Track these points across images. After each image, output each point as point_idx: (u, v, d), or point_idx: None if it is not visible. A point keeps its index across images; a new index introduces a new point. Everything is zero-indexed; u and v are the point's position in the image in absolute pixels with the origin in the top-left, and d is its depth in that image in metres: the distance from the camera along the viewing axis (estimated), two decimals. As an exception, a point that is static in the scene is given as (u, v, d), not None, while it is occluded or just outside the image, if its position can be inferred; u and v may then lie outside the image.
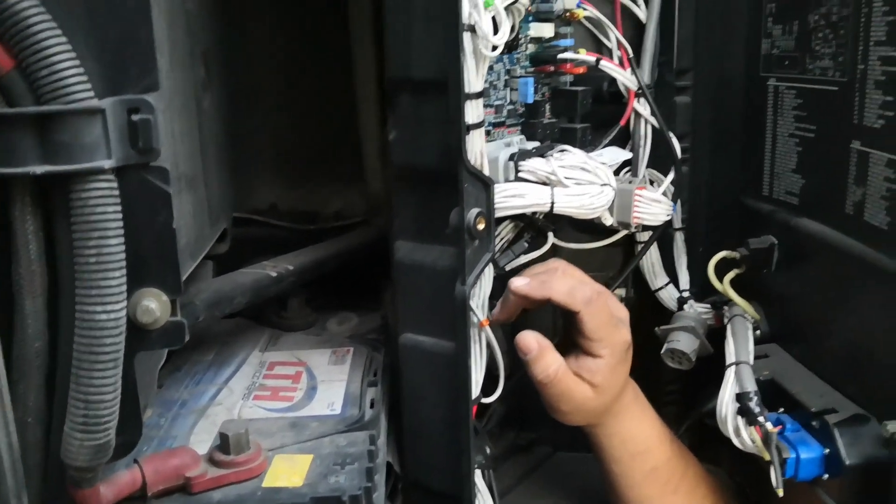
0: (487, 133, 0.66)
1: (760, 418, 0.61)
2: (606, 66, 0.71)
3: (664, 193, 0.74)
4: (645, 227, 0.75)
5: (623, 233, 0.76)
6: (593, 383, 0.65)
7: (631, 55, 0.73)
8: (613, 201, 0.70)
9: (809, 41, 0.64)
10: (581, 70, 0.72)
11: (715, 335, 0.74)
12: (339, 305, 0.89)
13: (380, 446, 0.61)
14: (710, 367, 0.71)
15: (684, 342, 0.74)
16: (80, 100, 0.41)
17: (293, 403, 0.67)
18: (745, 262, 0.71)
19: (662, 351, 0.75)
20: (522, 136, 0.70)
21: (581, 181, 0.67)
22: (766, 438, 0.60)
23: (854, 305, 0.60)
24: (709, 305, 0.77)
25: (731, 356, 0.67)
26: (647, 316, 0.77)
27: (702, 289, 0.77)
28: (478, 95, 0.56)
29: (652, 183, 0.76)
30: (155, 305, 0.46)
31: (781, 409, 0.63)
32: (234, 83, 0.84)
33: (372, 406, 0.66)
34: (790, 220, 0.67)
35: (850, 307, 0.61)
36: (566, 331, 0.68)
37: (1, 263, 0.45)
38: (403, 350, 0.62)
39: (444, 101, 0.55)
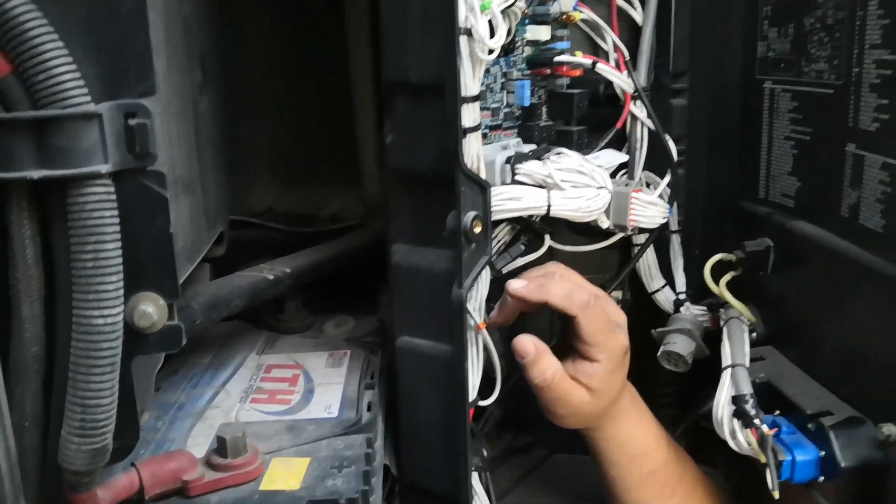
0: (484, 136, 0.66)
1: (756, 421, 0.61)
2: (603, 68, 0.71)
3: (660, 196, 0.74)
4: (641, 230, 0.75)
5: (619, 235, 0.76)
6: (590, 387, 0.65)
7: (627, 58, 0.73)
8: (610, 204, 0.70)
9: (805, 44, 0.64)
10: (577, 73, 0.72)
11: (711, 337, 0.74)
12: (337, 308, 0.89)
13: (377, 449, 0.61)
14: (707, 369, 0.71)
15: (681, 344, 0.74)
16: (76, 104, 0.41)
17: (290, 406, 0.67)
18: (741, 264, 0.71)
19: (659, 353, 0.75)
20: (519, 139, 0.70)
21: (577, 184, 0.67)
22: (761, 441, 0.60)
23: (849, 308, 0.60)
24: (705, 308, 0.77)
25: (727, 359, 0.67)
26: (644, 318, 0.77)
27: (698, 291, 0.77)
28: (474, 99, 0.57)
29: (648, 185, 0.76)
30: (152, 310, 0.46)
31: (777, 412, 0.63)
32: (230, 86, 0.84)
33: (369, 409, 0.66)
34: (786, 222, 0.67)
35: (845, 310, 0.61)
36: (563, 334, 0.68)
37: (-2, 268, 0.45)
38: (400, 353, 0.62)
39: (440, 104, 0.55)
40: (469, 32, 0.55)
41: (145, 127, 0.43)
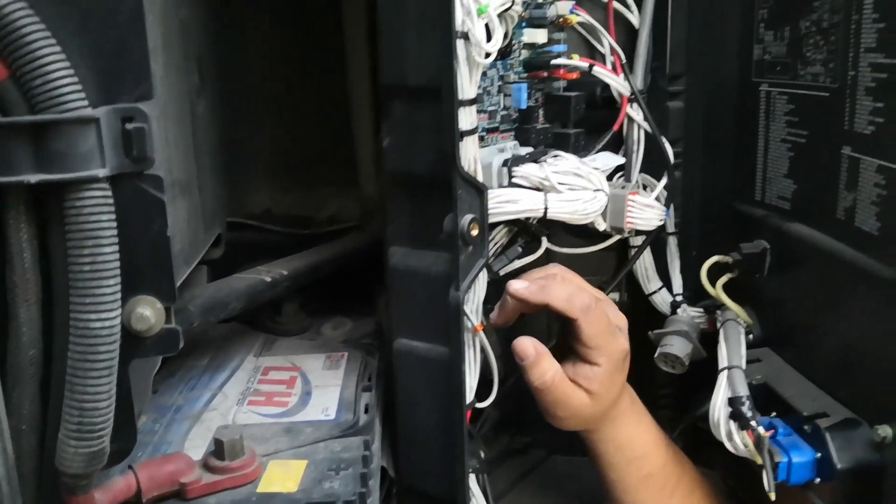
0: (481, 139, 0.66)
1: (753, 422, 0.61)
2: (599, 71, 0.72)
3: (657, 198, 0.74)
4: (638, 232, 0.75)
5: (616, 237, 0.76)
6: (590, 390, 0.65)
7: (624, 61, 0.73)
8: (607, 206, 0.70)
9: (801, 47, 0.64)
10: (574, 75, 0.72)
11: (708, 339, 0.74)
12: (334, 310, 0.89)
13: (374, 451, 0.61)
14: (704, 371, 0.71)
15: (677, 346, 0.75)
16: (74, 109, 0.41)
17: (288, 409, 0.67)
18: (737, 266, 0.71)
19: (656, 355, 0.75)
20: (516, 142, 0.71)
21: (574, 187, 0.67)
22: (758, 442, 0.60)
23: (845, 310, 0.61)
24: (702, 309, 0.77)
25: (723, 360, 0.67)
26: (641, 320, 0.77)
27: (695, 293, 0.77)
28: (471, 102, 0.57)
29: (645, 188, 0.76)
30: (149, 313, 0.46)
31: (774, 413, 0.63)
32: (228, 88, 0.84)
33: (366, 411, 0.66)
34: (782, 224, 0.68)
35: (841, 312, 0.61)
36: (563, 337, 0.68)
37: (-4, 272, 0.45)
38: (398, 355, 0.63)
39: (437, 107, 0.55)
40: (466, 36, 0.55)
41: (143, 131, 0.43)
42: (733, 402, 0.63)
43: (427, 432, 0.62)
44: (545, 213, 0.66)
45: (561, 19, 0.71)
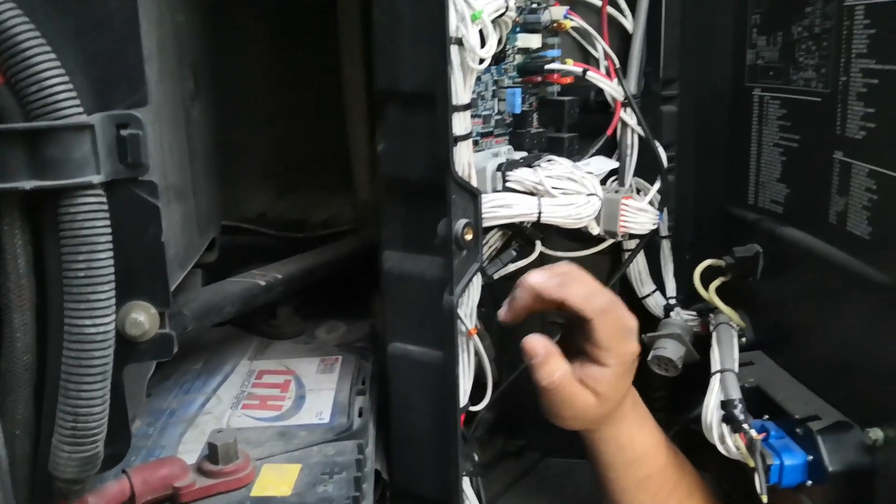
0: (475, 143, 0.66)
1: (745, 425, 0.61)
2: (593, 76, 0.72)
3: (651, 202, 0.74)
4: (632, 236, 0.75)
5: (610, 241, 0.76)
6: (597, 392, 0.64)
7: (618, 65, 0.74)
8: (600, 210, 0.71)
9: (793, 52, 0.65)
10: (568, 80, 0.72)
11: (701, 342, 0.74)
12: (328, 314, 0.89)
13: (368, 455, 0.61)
14: (697, 373, 0.71)
15: (671, 349, 0.75)
16: (69, 115, 0.42)
17: (282, 412, 0.67)
18: (730, 270, 0.72)
19: (649, 358, 0.76)
20: (510, 147, 0.71)
21: (568, 191, 0.67)
22: (750, 445, 0.60)
23: (837, 314, 0.61)
24: (695, 313, 0.77)
25: (716, 364, 0.68)
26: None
27: (688, 296, 0.78)
28: (465, 107, 0.57)
29: (638, 192, 0.77)
30: (144, 318, 0.46)
31: (766, 416, 0.64)
32: (223, 93, 0.84)
33: (360, 415, 0.66)
34: (775, 228, 0.68)
35: (833, 316, 0.61)
36: (571, 337, 0.67)
37: (-10, 277, 0.45)
38: (392, 359, 0.63)
39: (432, 113, 0.55)
40: (460, 42, 0.55)
41: (137, 137, 0.43)
42: (726, 405, 0.63)
43: (421, 436, 0.62)
44: (539, 217, 0.66)
45: (555, 24, 0.71)
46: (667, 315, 0.78)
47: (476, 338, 0.61)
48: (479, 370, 0.63)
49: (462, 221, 0.57)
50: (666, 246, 0.79)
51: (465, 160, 0.58)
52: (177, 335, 0.48)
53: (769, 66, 0.68)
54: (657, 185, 0.75)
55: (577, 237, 0.75)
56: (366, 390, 0.70)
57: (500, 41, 0.60)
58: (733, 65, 0.73)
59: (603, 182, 0.74)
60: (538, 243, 0.73)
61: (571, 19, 0.72)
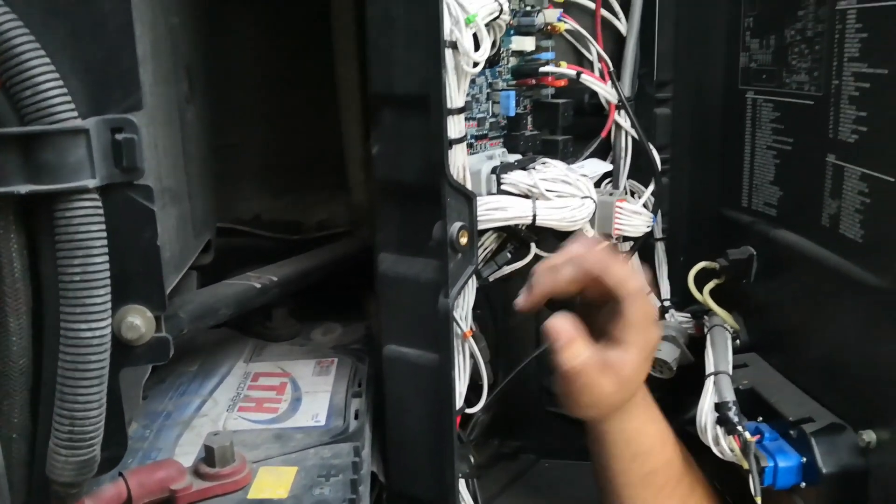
0: (470, 146, 0.66)
1: (739, 427, 0.62)
2: (587, 79, 0.72)
3: (645, 205, 0.75)
4: (626, 238, 0.76)
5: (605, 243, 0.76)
6: (620, 376, 0.63)
7: (611, 68, 0.74)
8: (595, 213, 0.71)
9: (786, 55, 0.65)
10: (562, 83, 0.72)
11: (695, 344, 0.75)
12: (324, 316, 0.89)
13: (364, 457, 0.61)
14: (691, 375, 0.72)
15: (665, 351, 0.75)
16: (63, 120, 0.42)
17: (278, 415, 0.67)
18: (724, 272, 0.72)
19: (644, 360, 0.76)
20: (504, 149, 0.71)
21: (563, 194, 0.68)
22: (744, 447, 0.61)
23: (831, 316, 0.61)
24: (689, 315, 0.78)
25: (710, 366, 0.68)
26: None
27: (682, 298, 0.78)
28: (459, 111, 0.57)
29: (633, 194, 0.77)
30: (140, 322, 0.46)
31: (760, 418, 0.64)
32: (217, 95, 0.84)
33: (356, 417, 0.66)
34: (769, 231, 0.68)
35: (827, 318, 0.62)
36: (588, 321, 0.65)
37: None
38: (387, 361, 0.63)
39: (426, 116, 0.55)
40: (454, 45, 0.55)
41: (132, 142, 0.43)
42: (720, 407, 0.64)
43: (417, 438, 0.62)
44: (534, 219, 0.66)
45: (549, 27, 0.72)
46: (661, 317, 0.79)
47: (471, 340, 0.62)
48: (474, 372, 0.63)
49: (457, 224, 0.57)
50: (660, 248, 0.79)
51: (460, 163, 0.58)
52: (173, 338, 0.48)
53: (762, 69, 0.69)
54: (651, 187, 0.75)
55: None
56: (362, 392, 0.70)
57: (494, 44, 0.61)
58: (726, 67, 0.74)
59: (597, 185, 0.75)
60: (533, 245, 0.73)
61: (565, 22, 0.72)
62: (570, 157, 0.73)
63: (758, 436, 0.61)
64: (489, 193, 0.66)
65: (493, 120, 0.70)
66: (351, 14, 0.83)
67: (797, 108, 0.64)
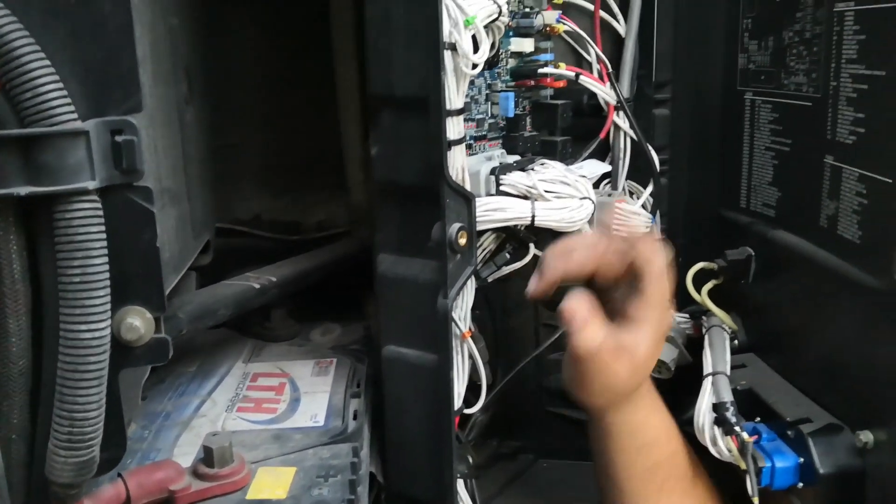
0: (469, 147, 0.66)
1: (737, 428, 0.62)
2: (586, 80, 0.72)
3: (643, 205, 0.75)
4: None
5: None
6: (634, 359, 0.61)
7: (610, 69, 0.74)
8: (593, 214, 0.71)
9: (784, 57, 0.65)
10: (561, 84, 0.73)
11: (693, 345, 0.75)
12: (323, 316, 0.89)
13: (363, 458, 0.61)
14: (689, 376, 0.72)
15: (663, 351, 0.75)
16: (63, 122, 0.42)
17: (277, 415, 0.67)
18: (722, 273, 0.72)
19: (642, 360, 0.76)
20: (503, 150, 0.71)
21: (561, 194, 0.68)
22: (742, 448, 0.61)
23: (829, 317, 0.61)
24: (687, 315, 0.78)
25: (708, 366, 0.68)
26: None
27: (681, 299, 0.78)
28: (458, 112, 0.57)
29: (631, 195, 0.77)
30: (139, 323, 0.46)
31: (758, 419, 0.64)
32: (217, 96, 0.84)
33: (355, 417, 0.66)
34: (767, 232, 0.68)
35: (825, 319, 0.62)
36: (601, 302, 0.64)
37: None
38: (386, 362, 0.63)
39: (425, 117, 0.55)
40: (453, 47, 0.55)
41: (132, 143, 0.44)
42: (718, 407, 0.64)
43: (416, 438, 0.63)
44: (533, 220, 0.66)
45: (548, 28, 0.72)
46: (660, 317, 0.79)
47: (470, 341, 0.62)
48: (473, 373, 0.63)
49: (456, 225, 0.57)
50: (659, 248, 0.79)
51: (459, 164, 0.58)
52: (172, 339, 0.49)
53: (761, 70, 0.69)
54: (650, 188, 0.75)
55: (570, 240, 0.75)
56: (360, 393, 0.70)
57: (493, 46, 0.61)
58: (725, 69, 0.74)
59: (596, 185, 0.75)
60: (532, 246, 0.73)
61: (564, 23, 0.72)
62: (568, 157, 0.74)
63: (755, 436, 0.62)
64: (488, 194, 0.66)
65: (491, 121, 0.70)
66: (350, 14, 0.83)
67: (795, 110, 0.64)
